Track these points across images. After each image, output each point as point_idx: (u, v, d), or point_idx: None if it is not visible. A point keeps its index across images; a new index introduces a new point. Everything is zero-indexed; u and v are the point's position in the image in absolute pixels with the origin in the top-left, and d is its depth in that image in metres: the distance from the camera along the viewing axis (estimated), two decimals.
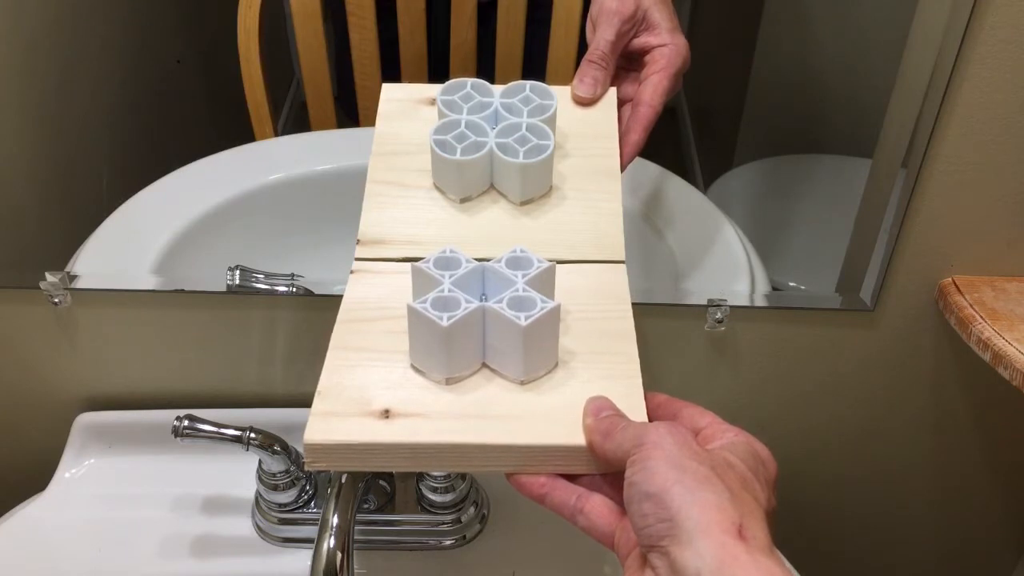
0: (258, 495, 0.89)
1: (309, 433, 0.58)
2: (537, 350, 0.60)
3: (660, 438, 0.52)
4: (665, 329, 0.96)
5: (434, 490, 0.88)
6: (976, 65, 0.79)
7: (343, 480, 0.79)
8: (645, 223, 0.97)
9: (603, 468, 0.57)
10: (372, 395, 0.60)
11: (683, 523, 0.48)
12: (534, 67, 0.97)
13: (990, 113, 0.82)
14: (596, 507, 0.57)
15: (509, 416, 0.59)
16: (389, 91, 0.78)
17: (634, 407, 0.59)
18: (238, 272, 0.92)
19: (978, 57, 0.79)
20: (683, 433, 0.53)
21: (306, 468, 0.59)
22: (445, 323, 0.58)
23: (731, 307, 0.92)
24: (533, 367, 0.61)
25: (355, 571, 0.78)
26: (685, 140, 1.12)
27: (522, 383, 0.61)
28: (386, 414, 0.59)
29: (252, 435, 0.84)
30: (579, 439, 0.58)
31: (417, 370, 0.62)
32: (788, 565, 0.53)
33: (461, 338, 0.60)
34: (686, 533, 0.48)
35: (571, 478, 0.59)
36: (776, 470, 0.56)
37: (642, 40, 0.76)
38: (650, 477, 0.50)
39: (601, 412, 0.57)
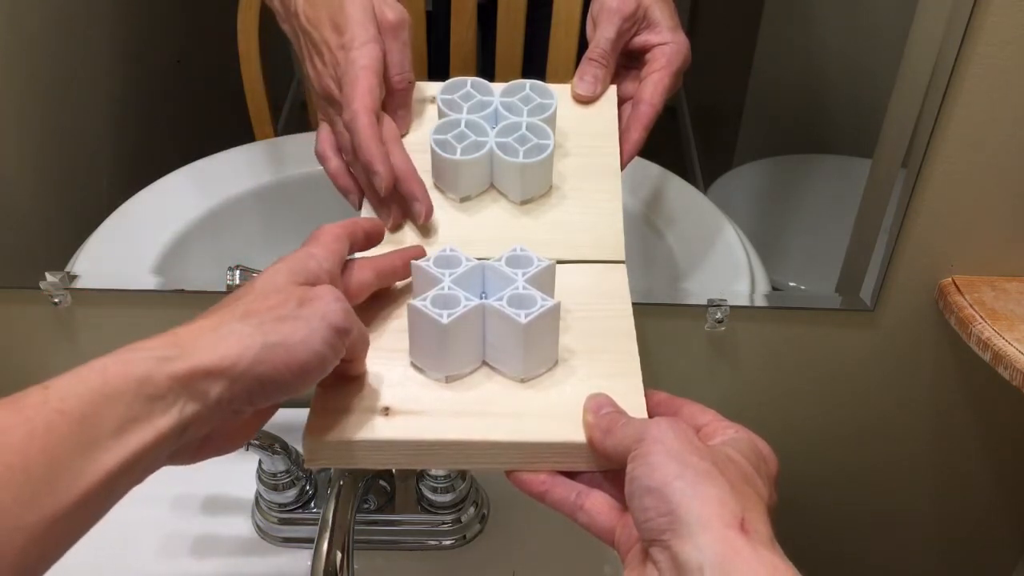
0: (258, 495, 0.89)
1: (308, 430, 0.58)
2: (537, 348, 0.60)
3: (661, 433, 0.52)
4: (665, 329, 0.96)
5: (434, 490, 0.88)
6: (976, 65, 0.79)
7: (343, 480, 0.79)
8: (645, 223, 0.97)
9: (603, 465, 0.58)
10: (372, 393, 0.60)
11: (684, 517, 0.48)
12: (534, 66, 0.97)
13: (990, 113, 0.82)
14: (596, 503, 0.57)
15: (509, 413, 0.59)
16: None
17: (634, 405, 0.59)
18: (238, 272, 0.92)
19: (978, 57, 0.79)
20: (684, 429, 0.53)
21: (305, 465, 0.59)
22: (445, 320, 0.58)
23: (731, 307, 0.92)
24: (533, 365, 0.61)
25: (355, 571, 0.78)
26: (685, 140, 1.12)
27: (522, 381, 0.61)
28: (386, 411, 0.59)
29: None
30: (579, 436, 0.58)
31: (417, 368, 0.62)
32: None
33: (461, 336, 0.60)
34: (687, 527, 0.48)
35: (571, 475, 0.59)
36: (777, 466, 0.56)
37: (643, 38, 0.76)
38: (651, 472, 0.50)
39: (601, 409, 0.57)
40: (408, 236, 0.70)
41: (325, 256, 0.59)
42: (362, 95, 0.67)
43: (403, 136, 0.74)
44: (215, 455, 0.55)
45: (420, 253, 0.66)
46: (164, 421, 0.47)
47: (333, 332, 0.53)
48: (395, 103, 0.72)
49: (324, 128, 0.73)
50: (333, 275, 0.59)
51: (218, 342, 0.50)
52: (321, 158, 0.73)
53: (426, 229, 0.71)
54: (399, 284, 0.67)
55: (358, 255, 0.64)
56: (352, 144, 0.68)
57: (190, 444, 0.51)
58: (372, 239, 0.65)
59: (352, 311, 0.56)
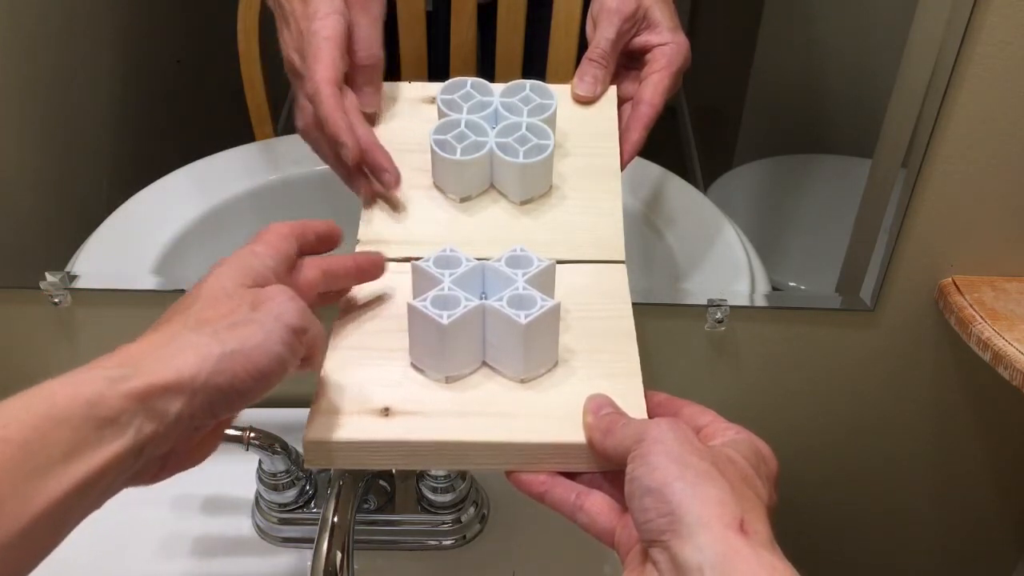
0: (258, 495, 0.89)
1: (308, 430, 0.58)
2: (537, 348, 0.60)
3: (661, 434, 0.52)
4: (665, 329, 0.96)
5: (434, 490, 0.88)
6: (976, 65, 0.79)
7: (343, 480, 0.79)
8: (645, 223, 0.97)
9: (603, 466, 0.57)
10: (372, 393, 0.60)
11: (684, 517, 0.48)
12: (534, 67, 0.97)
13: (990, 113, 0.82)
14: (596, 504, 0.57)
15: (509, 414, 0.59)
16: (389, 89, 0.78)
17: (634, 406, 0.59)
18: None
19: (978, 57, 0.79)
20: (684, 429, 0.53)
21: (305, 466, 0.59)
22: (445, 321, 0.58)
23: (731, 307, 0.92)
24: (533, 365, 0.61)
25: (355, 571, 0.78)
26: (685, 140, 1.12)
27: (522, 381, 0.61)
28: (386, 412, 0.59)
29: (252, 435, 0.83)
30: (579, 437, 0.58)
31: (417, 369, 0.62)
32: None
33: (461, 336, 0.60)
34: (687, 527, 0.48)
35: (571, 476, 0.59)
36: (777, 467, 0.56)
37: (643, 38, 0.76)
38: (651, 472, 0.50)
39: (601, 410, 0.57)
40: (408, 233, 0.70)
41: (269, 254, 0.58)
42: (324, 67, 0.66)
43: (374, 116, 0.73)
44: (178, 471, 0.54)
45: (378, 260, 0.66)
46: (118, 444, 0.45)
47: (290, 332, 0.52)
48: (362, 79, 0.71)
49: (304, 108, 0.72)
50: (279, 274, 0.58)
51: (173, 355, 0.48)
52: (303, 134, 0.73)
53: (426, 229, 0.70)
54: (398, 285, 0.67)
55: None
56: (317, 116, 0.67)
57: (150, 464, 0.50)
58: (325, 242, 0.64)
59: (307, 309, 0.54)
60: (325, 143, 0.70)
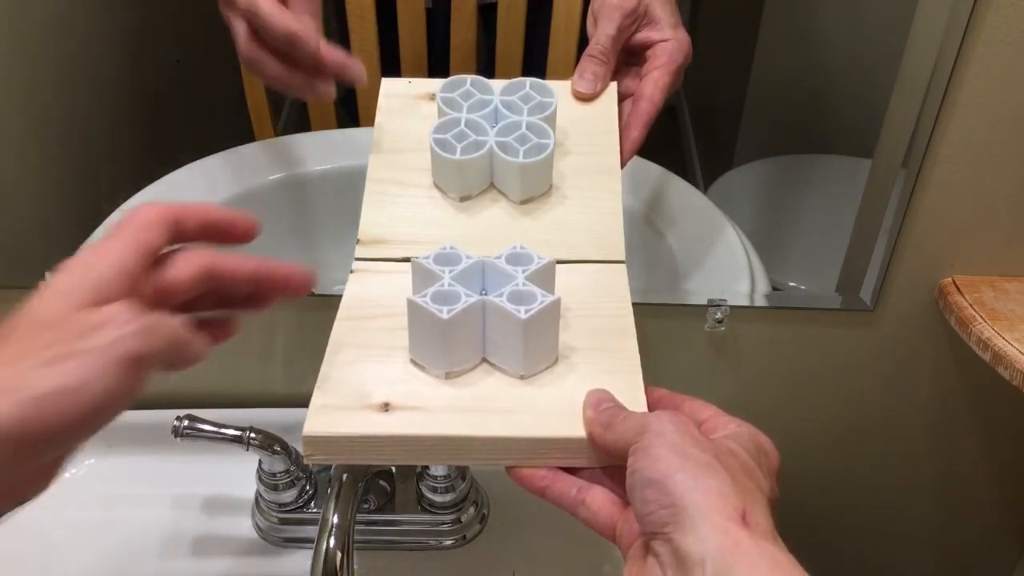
0: (258, 495, 0.89)
1: (308, 425, 0.57)
2: (537, 344, 0.60)
3: (662, 426, 0.52)
4: (665, 329, 0.96)
5: (434, 490, 0.88)
6: (976, 65, 0.80)
7: (343, 480, 0.79)
8: (646, 223, 0.97)
9: (604, 460, 0.57)
10: (371, 389, 0.60)
11: (686, 509, 0.48)
12: (534, 67, 0.97)
13: (990, 113, 0.82)
14: (597, 498, 0.57)
15: (509, 409, 0.59)
16: (389, 85, 0.78)
17: (635, 401, 0.59)
18: None
19: (978, 57, 0.79)
20: (685, 422, 0.53)
21: (305, 461, 0.59)
22: (445, 316, 0.58)
23: (731, 307, 0.92)
24: (533, 361, 0.61)
25: (355, 571, 0.78)
26: (685, 140, 1.12)
27: (522, 377, 0.61)
28: (385, 407, 0.59)
29: (252, 435, 0.83)
30: (579, 431, 0.58)
31: (417, 365, 0.62)
32: None
33: (461, 331, 0.59)
34: (689, 519, 0.48)
35: (572, 471, 0.59)
36: (778, 460, 0.56)
37: (643, 35, 0.76)
38: (652, 464, 0.50)
39: (601, 404, 0.57)
40: (408, 233, 0.70)
41: (117, 257, 0.48)
42: None
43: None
44: (7, 509, 0.47)
45: (294, 273, 0.55)
46: None
47: (124, 364, 0.44)
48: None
49: (240, 32, 0.68)
50: (132, 275, 0.48)
51: None
52: (245, 61, 0.68)
53: (426, 229, 0.70)
54: (398, 285, 0.66)
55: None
56: (256, 28, 0.64)
57: None
58: (216, 233, 0.53)
59: (156, 327, 0.46)
60: (270, 55, 0.66)
